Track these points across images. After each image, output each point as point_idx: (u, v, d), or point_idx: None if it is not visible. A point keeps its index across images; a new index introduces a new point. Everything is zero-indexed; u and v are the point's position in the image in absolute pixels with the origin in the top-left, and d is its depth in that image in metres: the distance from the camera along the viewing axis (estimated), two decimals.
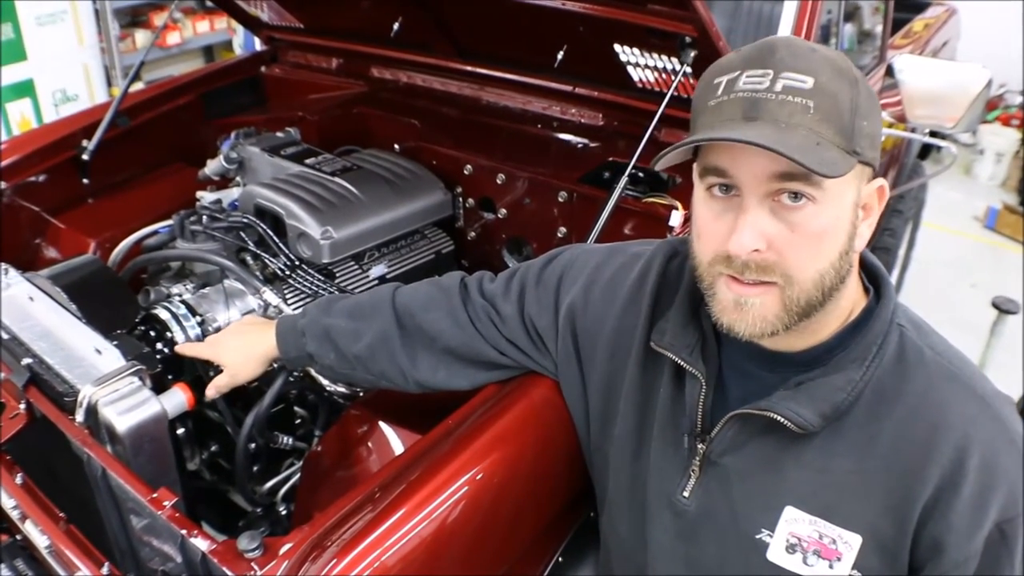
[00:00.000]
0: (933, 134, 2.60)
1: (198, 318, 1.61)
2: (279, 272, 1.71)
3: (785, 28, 1.95)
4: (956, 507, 0.90)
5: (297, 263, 1.74)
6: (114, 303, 1.56)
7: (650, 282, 1.13)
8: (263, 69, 2.61)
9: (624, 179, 1.56)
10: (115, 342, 1.33)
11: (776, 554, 0.97)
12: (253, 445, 1.55)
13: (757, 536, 0.98)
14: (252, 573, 0.94)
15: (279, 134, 2.12)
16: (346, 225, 1.76)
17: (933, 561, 0.92)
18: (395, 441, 1.36)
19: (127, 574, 1.20)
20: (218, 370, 1.41)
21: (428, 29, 2.12)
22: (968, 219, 4.80)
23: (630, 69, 1.84)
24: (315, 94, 2.48)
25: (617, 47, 1.78)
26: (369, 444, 1.38)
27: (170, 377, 1.52)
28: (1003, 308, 2.76)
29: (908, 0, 3.48)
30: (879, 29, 2.71)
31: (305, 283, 1.71)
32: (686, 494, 1.04)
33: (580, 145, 2.03)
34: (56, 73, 4.55)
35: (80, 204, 2.08)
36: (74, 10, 4.54)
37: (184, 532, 1.00)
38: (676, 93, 1.62)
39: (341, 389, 1.55)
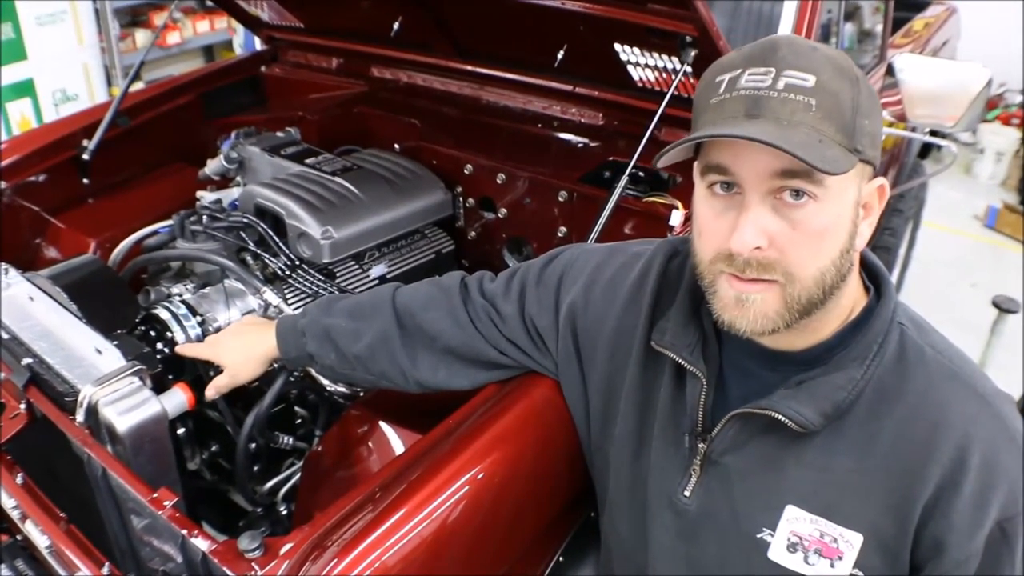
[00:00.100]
0: (933, 133, 2.61)
1: (198, 318, 1.61)
2: (279, 272, 1.71)
3: (785, 27, 1.95)
4: (957, 506, 0.89)
5: (297, 263, 1.74)
6: (114, 303, 1.56)
7: (650, 281, 1.13)
8: (263, 69, 2.60)
9: (624, 179, 1.56)
10: (115, 342, 1.33)
11: (777, 553, 0.97)
12: (253, 445, 1.55)
13: (758, 535, 0.98)
14: (253, 573, 0.94)
15: (279, 134, 2.12)
16: (346, 225, 1.76)
17: (934, 560, 0.92)
18: (395, 441, 1.36)
19: (127, 574, 1.20)
20: (218, 370, 1.41)
21: (428, 29, 2.12)
22: (968, 218, 4.79)
23: (630, 68, 1.84)
24: (315, 94, 2.48)
25: (617, 46, 1.78)
26: (369, 444, 1.38)
27: (170, 377, 1.52)
28: (1003, 307, 2.76)
29: None
30: (879, 28, 2.71)
31: (305, 283, 1.71)
32: (687, 493, 1.04)
33: (580, 145, 2.03)
34: (56, 73, 4.55)
35: (80, 204, 2.08)
36: (74, 10, 4.54)
37: (184, 532, 1.00)
38: (676, 92, 1.62)
39: (341, 389, 1.55)
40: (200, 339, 1.57)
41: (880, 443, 0.93)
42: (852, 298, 0.97)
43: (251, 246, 1.73)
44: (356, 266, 1.85)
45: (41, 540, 1.23)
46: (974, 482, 0.89)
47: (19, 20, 4.29)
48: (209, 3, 4.56)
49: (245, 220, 1.74)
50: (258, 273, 1.72)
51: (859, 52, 2.60)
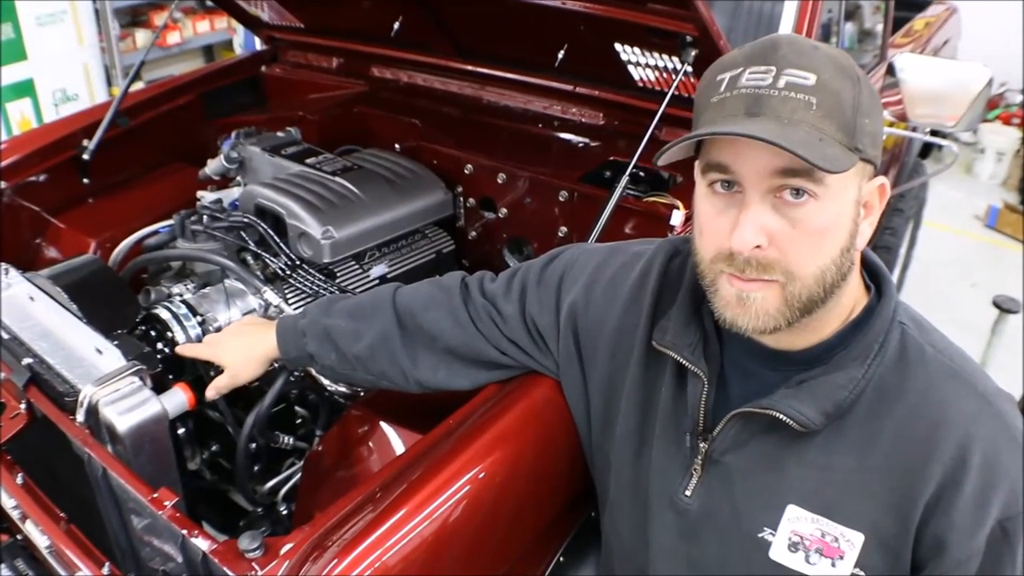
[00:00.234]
0: (934, 133, 2.60)
1: (199, 318, 1.61)
2: (280, 272, 1.71)
3: (786, 27, 1.95)
4: (958, 505, 0.89)
5: (298, 263, 1.74)
6: (115, 303, 1.56)
7: (651, 281, 1.13)
8: (263, 69, 2.60)
9: (625, 178, 1.55)
10: (116, 342, 1.33)
11: (778, 553, 0.97)
12: (254, 445, 1.54)
13: (759, 535, 0.98)
14: (253, 573, 0.94)
15: (280, 134, 2.11)
16: (347, 225, 1.75)
17: (935, 559, 0.91)
18: (396, 441, 1.36)
19: (128, 574, 1.20)
20: (219, 370, 1.40)
21: (428, 29, 2.11)
22: (969, 218, 4.79)
23: (631, 68, 1.84)
24: (315, 94, 2.48)
25: (618, 46, 1.78)
26: (370, 444, 1.38)
27: (171, 377, 1.52)
28: (1004, 307, 2.76)
29: None
30: (880, 28, 2.71)
31: (306, 283, 1.71)
32: (688, 493, 1.04)
33: (581, 144, 2.03)
34: (56, 73, 4.55)
35: (80, 204, 2.08)
36: (74, 10, 4.54)
37: (185, 532, 1.00)
38: (677, 92, 1.62)
39: (342, 389, 1.55)
40: (200, 339, 1.56)
41: (881, 442, 0.93)
42: (853, 297, 0.97)
43: (251, 246, 1.73)
44: (356, 266, 1.85)
45: (41, 540, 1.23)
46: (975, 481, 0.89)
47: (19, 20, 4.29)
48: (209, 3, 4.56)
49: (245, 220, 1.74)
50: (258, 273, 1.72)
51: (860, 52, 2.60)
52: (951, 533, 0.90)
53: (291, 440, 1.61)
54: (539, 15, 1.78)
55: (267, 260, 1.72)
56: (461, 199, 2.06)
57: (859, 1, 2.60)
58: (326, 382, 1.54)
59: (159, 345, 1.56)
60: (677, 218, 1.62)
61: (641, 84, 1.87)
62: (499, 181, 1.96)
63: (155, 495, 1.06)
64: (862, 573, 0.93)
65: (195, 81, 2.44)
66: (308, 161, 1.97)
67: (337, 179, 1.87)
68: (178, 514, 1.03)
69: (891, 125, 2.49)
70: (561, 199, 1.87)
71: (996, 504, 0.90)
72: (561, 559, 1.35)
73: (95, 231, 1.95)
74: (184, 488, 1.34)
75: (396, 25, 2.20)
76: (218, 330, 1.60)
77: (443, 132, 2.13)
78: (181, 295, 1.67)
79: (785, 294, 0.89)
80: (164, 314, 1.58)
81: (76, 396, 1.25)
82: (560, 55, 1.95)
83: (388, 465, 1.11)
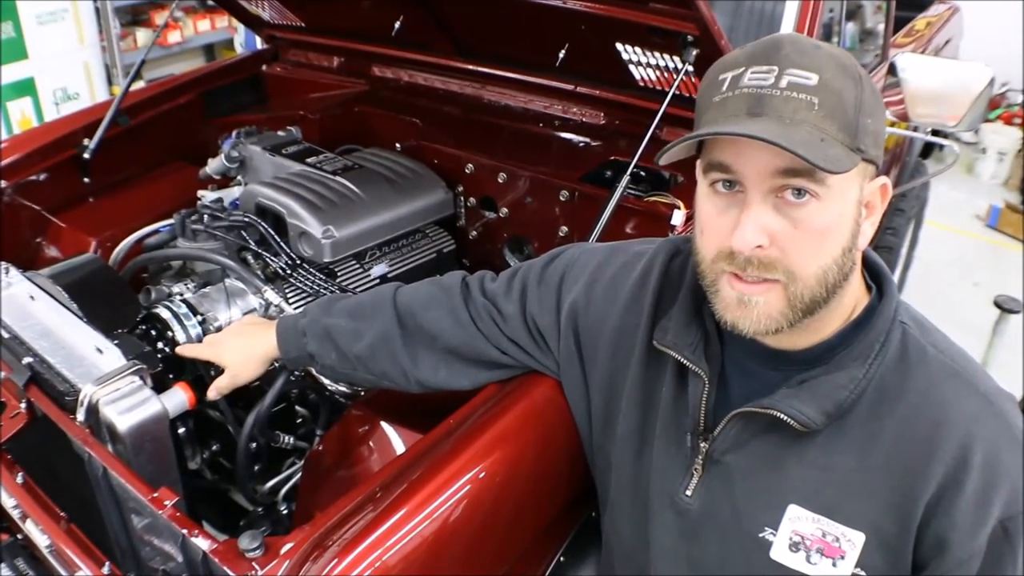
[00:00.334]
0: (935, 133, 2.60)
1: (199, 317, 1.60)
2: (280, 271, 1.71)
3: (787, 27, 1.94)
4: (959, 504, 0.89)
5: (298, 262, 1.74)
6: (115, 302, 1.56)
7: (652, 281, 1.13)
8: (264, 68, 2.60)
9: (626, 178, 1.55)
10: (116, 341, 1.33)
11: (779, 553, 0.97)
12: (254, 444, 1.54)
13: (760, 535, 0.98)
14: (253, 573, 0.94)
15: (280, 133, 2.11)
16: (347, 224, 1.75)
17: (937, 559, 0.91)
18: (396, 440, 1.36)
19: (128, 574, 1.20)
20: (219, 370, 1.40)
21: (429, 28, 2.11)
22: (970, 218, 4.79)
23: (632, 68, 1.83)
24: (316, 93, 2.48)
25: (619, 46, 1.78)
26: (370, 443, 1.38)
27: (171, 376, 1.52)
28: (1005, 307, 2.75)
29: None
30: (881, 28, 2.71)
31: (306, 282, 1.71)
32: (688, 493, 1.04)
33: (582, 144, 2.03)
34: (57, 72, 4.55)
35: (81, 203, 2.07)
36: (75, 9, 4.54)
37: (185, 531, 1.00)
38: (678, 92, 1.62)
39: (342, 388, 1.55)
40: (201, 338, 1.56)
41: (882, 442, 0.93)
42: (854, 297, 0.97)
43: (252, 245, 1.73)
44: (357, 265, 1.85)
45: (41, 539, 1.23)
46: (976, 480, 0.89)
47: (20, 19, 4.29)
48: (210, 2, 4.56)
49: (246, 219, 1.74)
50: (259, 272, 1.72)
51: (861, 51, 2.60)
52: (952, 533, 0.90)
53: (291, 440, 1.61)
54: (540, 15, 1.78)
55: (268, 259, 1.72)
56: (462, 198, 2.06)
57: (860, 1, 2.60)
58: (326, 382, 1.54)
59: (159, 344, 1.56)
60: (678, 218, 1.62)
61: (642, 83, 1.87)
62: (500, 180, 1.96)
63: (155, 494, 1.06)
64: (863, 573, 0.93)
65: (196, 80, 2.44)
66: (309, 160, 1.97)
67: (338, 178, 1.87)
68: (178, 513, 1.03)
69: (892, 125, 2.49)
70: (562, 199, 1.87)
71: (997, 504, 0.89)
72: (561, 559, 1.34)
73: (95, 230, 1.95)
74: (184, 488, 1.34)
75: (397, 24, 2.20)
76: (218, 329, 1.60)
77: (444, 131, 2.13)
78: (181, 294, 1.67)
79: (787, 295, 0.89)
80: (164, 313, 1.58)
81: (76, 395, 1.25)
82: (561, 54, 1.95)
83: (388, 465, 1.11)
